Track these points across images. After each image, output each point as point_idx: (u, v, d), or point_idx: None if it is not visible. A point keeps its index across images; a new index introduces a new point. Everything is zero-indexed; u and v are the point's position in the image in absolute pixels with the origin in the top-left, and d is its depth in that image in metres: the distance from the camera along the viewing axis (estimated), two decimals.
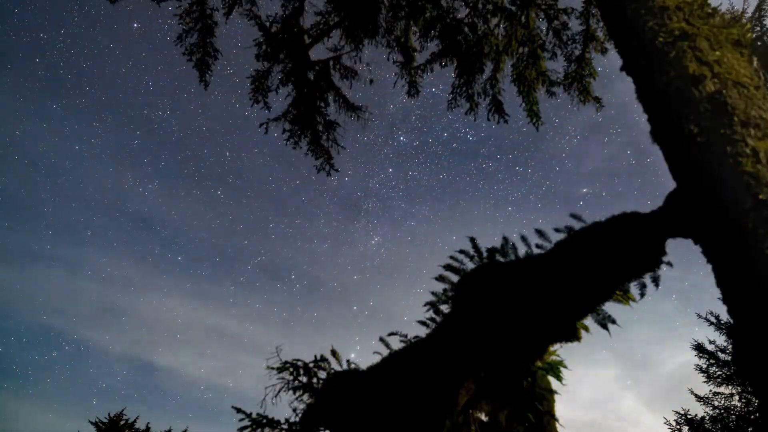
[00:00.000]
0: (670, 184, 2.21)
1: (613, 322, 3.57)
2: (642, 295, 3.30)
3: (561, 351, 4.13)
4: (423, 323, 4.12)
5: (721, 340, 13.36)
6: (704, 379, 13.34)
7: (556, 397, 4.01)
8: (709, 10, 2.23)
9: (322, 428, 3.26)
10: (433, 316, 4.12)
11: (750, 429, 12.16)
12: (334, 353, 3.72)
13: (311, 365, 3.56)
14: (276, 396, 3.46)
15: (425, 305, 4.20)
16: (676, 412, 13.23)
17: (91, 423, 15.98)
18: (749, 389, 12.25)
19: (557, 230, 3.45)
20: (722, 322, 13.13)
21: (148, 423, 16.63)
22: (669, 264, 2.77)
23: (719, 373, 13.15)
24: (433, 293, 4.21)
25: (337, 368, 3.58)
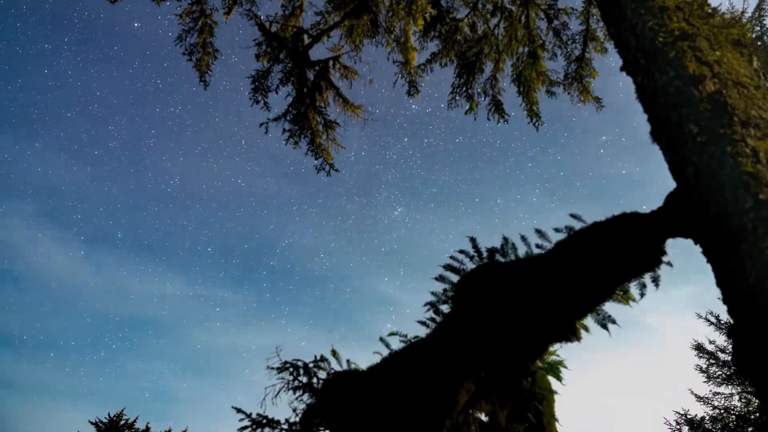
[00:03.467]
0: (671, 184, 2.21)
1: (613, 322, 3.57)
2: (642, 295, 3.30)
3: (561, 351, 4.14)
4: (423, 323, 4.12)
5: (721, 340, 13.36)
6: (704, 379, 13.34)
7: (556, 397, 4.01)
8: (709, 10, 2.23)
9: (322, 428, 3.26)
10: (433, 316, 4.12)
11: (750, 429, 12.16)
12: (334, 353, 3.72)
13: (311, 365, 3.56)
14: (276, 396, 3.46)
15: (425, 305, 4.20)
16: (676, 412, 13.23)
17: (91, 423, 15.98)
18: (749, 389, 12.25)
19: (557, 230, 3.45)
20: (722, 322, 13.12)
21: (148, 423, 16.65)
22: (669, 264, 2.77)
23: (719, 373, 13.15)
24: (433, 293, 4.21)
25: (337, 368, 3.58)
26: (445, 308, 4.09)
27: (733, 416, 12.47)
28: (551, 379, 4.07)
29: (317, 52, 6.77)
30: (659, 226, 2.48)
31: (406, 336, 3.95)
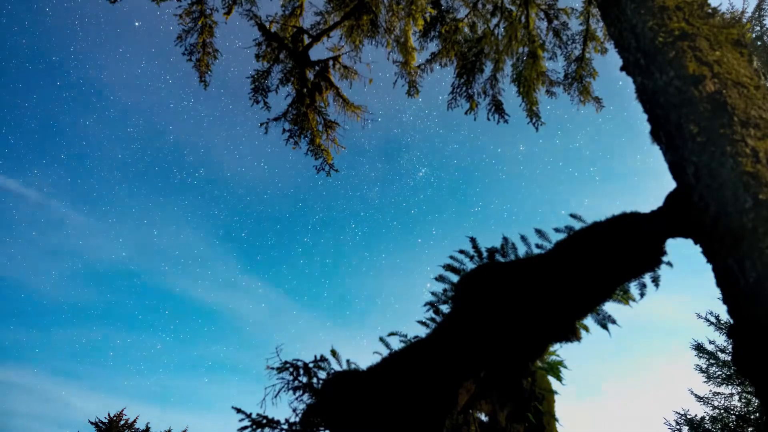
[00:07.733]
0: (671, 184, 2.21)
1: (613, 321, 3.57)
2: (642, 294, 3.30)
3: (561, 351, 4.14)
4: (423, 323, 4.12)
5: (721, 340, 13.36)
6: (704, 379, 13.34)
7: (556, 397, 4.02)
8: (709, 10, 2.23)
9: (322, 428, 3.26)
10: (433, 316, 4.12)
11: (750, 429, 12.16)
12: (333, 353, 3.72)
13: (311, 365, 3.56)
14: (276, 396, 3.46)
15: (425, 305, 4.21)
16: (676, 412, 13.23)
17: (91, 423, 15.98)
18: (749, 389, 12.25)
19: (557, 230, 3.45)
20: (722, 322, 13.12)
21: (148, 423, 16.65)
22: (669, 264, 2.77)
23: (719, 373, 13.15)
24: (433, 293, 4.21)
25: (337, 368, 3.57)
26: (445, 308, 4.09)
27: (733, 416, 12.47)
28: (551, 379, 4.07)
29: (317, 52, 6.77)
30: (659, 226, 2.48)
31: (406, 336, 3.95)
